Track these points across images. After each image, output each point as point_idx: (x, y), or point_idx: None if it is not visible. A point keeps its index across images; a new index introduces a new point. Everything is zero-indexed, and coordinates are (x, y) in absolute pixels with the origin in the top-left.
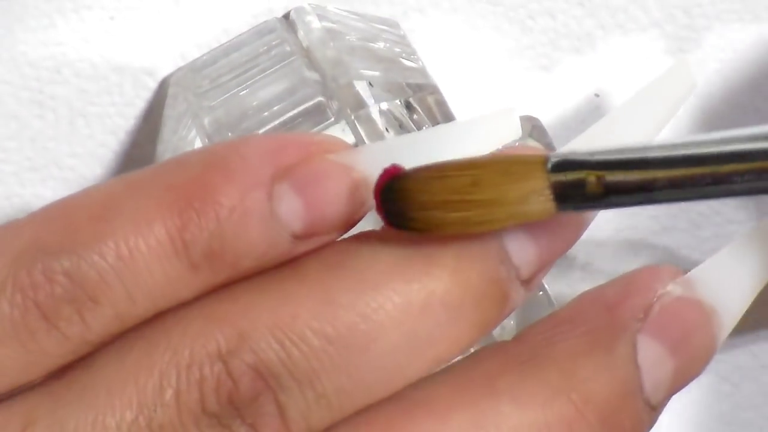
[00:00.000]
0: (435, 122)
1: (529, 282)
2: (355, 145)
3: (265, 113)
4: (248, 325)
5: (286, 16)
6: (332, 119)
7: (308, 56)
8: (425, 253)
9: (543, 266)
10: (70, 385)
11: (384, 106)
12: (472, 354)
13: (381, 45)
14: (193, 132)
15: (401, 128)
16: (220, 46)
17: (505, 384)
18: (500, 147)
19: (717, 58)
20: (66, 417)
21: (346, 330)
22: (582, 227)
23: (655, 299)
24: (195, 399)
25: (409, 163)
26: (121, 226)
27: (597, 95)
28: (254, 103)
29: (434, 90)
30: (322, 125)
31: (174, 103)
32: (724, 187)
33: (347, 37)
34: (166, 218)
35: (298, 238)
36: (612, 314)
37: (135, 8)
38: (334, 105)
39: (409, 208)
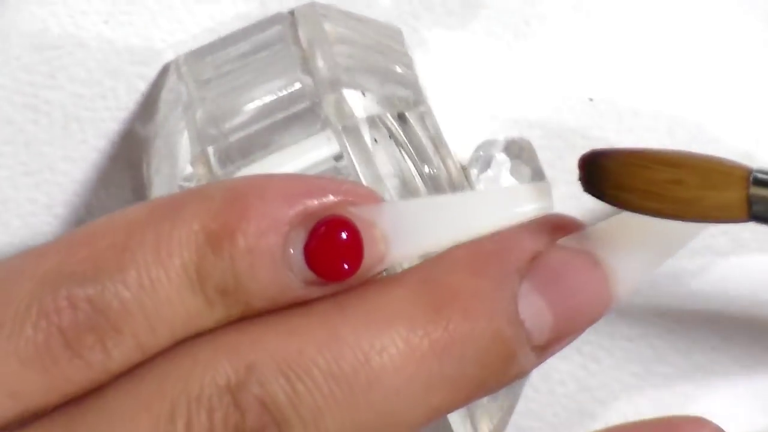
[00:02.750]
0: (426, 137)
1: (543, 349)
2: (339, 156)
3: (254, 113)
4: (256, 357)
5: (293, 12)
6: (318, 126)
7: (305, 57)
8: (435, 302)
9: (560, 336)
10: (84, 414)
11: (373, 117)
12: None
13: (380, 54)
14: (183, 123)
15: (390, 138)
16: (230, 34)
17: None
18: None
19: (717, 54)
20: None
21: (350, 369)
22: (607, 305)
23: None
24: (205, 429)
25: (430, 227)
26: (143, 256)
27: (591, 99)
28: (245, 100)
29: (426, 106)
30: (308, 131)
31: (174, 87)
32: None
33: (347, 43)
34: (183, 251)
35: (310, 284)
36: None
37: (129, 12)
38: (322, 112)
39: (608, 186)
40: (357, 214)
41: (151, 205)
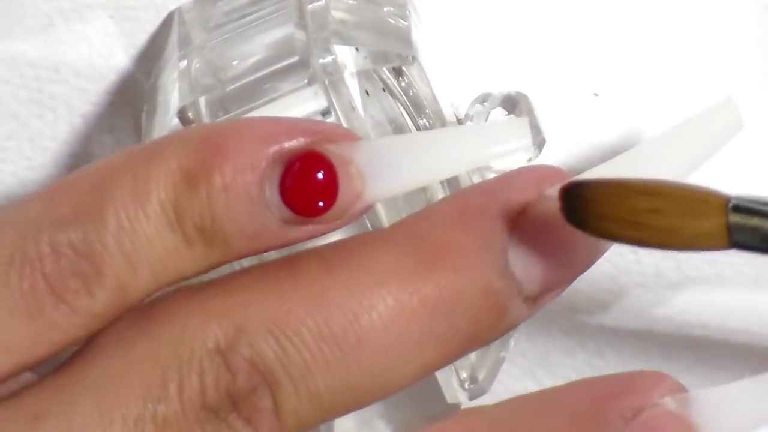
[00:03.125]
0: (422, 90)
1: (535, 300)
2: (326, 111)
3: (249, 64)
4: (245, 319)
5: None
6: (306, 81)
7: (301, 10)
8: (424, 259)
9: (551, 287)
10: (77, 380)
11: (366, 71)
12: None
13: (379, 6)
14: (176, 74)
15: (385, 91)
16: None
17: None
18: (506, 156)
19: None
20: (73, 411)
21: (339, 328)
22: (595, 254)
23: (648, 405)
24: (196, 392)
25: (407, 164)
26: (121, 196)
27: (596, 95)
28: (242, 51)
29: (420, 61)
30: (296, 86)
31: (181, 31)
32: None
33: None
34: (160, 190)
35: (288, 223)
36: (600, 406)
37: (134, 7)
38: (311, 67)
39: (588, 216)
40: (333, 150)
41: (130, 149)
